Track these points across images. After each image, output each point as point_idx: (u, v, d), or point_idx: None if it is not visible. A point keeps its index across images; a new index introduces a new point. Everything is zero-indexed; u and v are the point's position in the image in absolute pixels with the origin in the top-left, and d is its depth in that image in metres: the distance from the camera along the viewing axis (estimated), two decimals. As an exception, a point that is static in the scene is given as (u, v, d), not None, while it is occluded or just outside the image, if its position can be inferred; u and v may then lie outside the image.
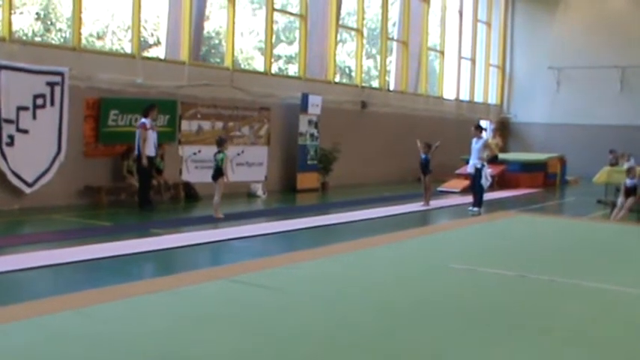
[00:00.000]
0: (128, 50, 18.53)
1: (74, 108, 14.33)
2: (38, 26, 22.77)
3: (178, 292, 7.05)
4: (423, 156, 16.65)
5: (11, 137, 13.33)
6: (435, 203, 17.41)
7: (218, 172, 13.24)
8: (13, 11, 14.13)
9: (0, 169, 13.23)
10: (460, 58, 29.25)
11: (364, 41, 24.62)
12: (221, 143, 13.38)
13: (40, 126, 13.77)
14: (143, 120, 14.28)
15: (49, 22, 23.08)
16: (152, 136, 14.31)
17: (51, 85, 13.92)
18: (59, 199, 14.11)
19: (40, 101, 13.77)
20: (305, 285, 7.56)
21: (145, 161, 14.07)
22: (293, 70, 27.37)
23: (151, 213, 13.82)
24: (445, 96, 28.58)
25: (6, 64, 13.18)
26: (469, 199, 16.47)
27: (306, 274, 8.16)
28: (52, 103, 13.97)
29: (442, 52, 28.22)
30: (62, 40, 22.43)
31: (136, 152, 14.32)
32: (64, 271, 8.34)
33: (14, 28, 14.15)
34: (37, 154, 13.75)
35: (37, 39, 21.88)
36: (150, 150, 14.21)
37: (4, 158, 13.23)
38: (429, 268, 8.85)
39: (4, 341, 5.31)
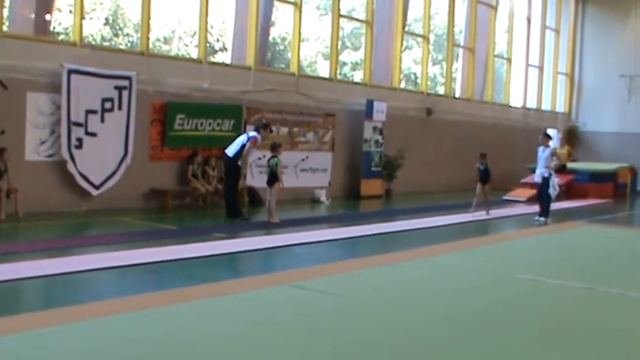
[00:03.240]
0: (194, 55, 18.71)
1: (141, 112, 14.51)
2: (107, 31, 23.17)
3: (242, 296, 7.03)
4: (482, 167, 16.33)
5: (80, 140, 13.54)
6: (500, 212, 17.11)
7: (273, 177, 13.23)
8: (83, 17, 14.36)
9: (68, 171, 13.46)
10: (527, 65, 28.74)
11: (430, 48, 24.40)
12: (275, 148, 13.36)
13: (108, 129, 13.96)
14: (256, 135, 13.83)
15: (117, 28, 23.48)
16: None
17: (119, 89, 14.11)
18: (125, 201, 14.29)
19: (108, 105, 13.97)
20: (369, 292, 7.47)
21: (245, 170, 13.96)
22: (358, 76, 27.30)
23: (245, 222, 13.50)
24: (512, 103, 28.12)
25: (76, 68, 13.41)
26: (535, 208, 16.11)
27: (370, 282, 8.06)
28: (120, 107, 14.14)
29: (509, 59, 27.78)
30: (130, 44, 22.81)
31: (229, 153, 13.75)
32: (129, 273, 8.40)
33: (84, 33, 14.37)
34: (105, 156, 13.94)
35: (106, 44, 22.27)
36: (231, 152, 13.77)
37: (73, 161, 13.45)
38: (493, 278, 8.67)
39: (71, 341, 5.35)
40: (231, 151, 13.71)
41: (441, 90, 26.23)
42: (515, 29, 27.92)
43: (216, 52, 24.40)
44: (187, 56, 22.21)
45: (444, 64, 25.98)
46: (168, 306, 6.50)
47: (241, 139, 13.79)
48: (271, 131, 14.83)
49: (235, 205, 13.90)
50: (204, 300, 6.80)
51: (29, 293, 7.47)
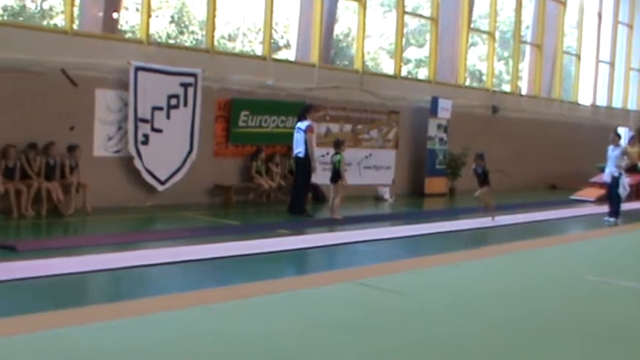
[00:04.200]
0: (259, 52, 18.80)
1: (206, 108, 14.64)
2: (172, 29, 23.47)
3: (304, 293, 7.02)
4: (480, 169, 14.34)
5: (146, 136, 13.73)
6: (568, 212, 16.75)
7: (336, 175, 13.18)
8: (150, 15, 14.55)
9: (135, 166, 13.66)
10: (598, 61, 28.07)
11: (496, 44, 24.04)
12: (338, 145, 13.30)
13: (174, 126, 14.12)
14: (308, 123, 13.69)
15: (182, 25, 23.77)
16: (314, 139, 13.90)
17: (184, 86, 14.25)
18: (190, 197, 14.43)
19: (174, 101, 14.12)
20: (431, 291, 7.38)
21: (314, 165, 13.69)
22: (423, 73, 27.08)
23: (308, 219, 13.48)
24: (580, 101, 27.50)
25: (143, 65, 13.59)
26: (604, 208, 15.73)
27: (433, 281, 7.97)
28: (186, 104, 14.29)
29: (578, 56, 27.17)
30: (195, 42, 23.05)
31: (300, 155, 13.65)
32: (194, 268, 8.46)
33: (151, 31, 14.57)
34: (170, 152, 14.11)
35: (171, 41, 22.55)
36: (301, 152, 13.66)
37: (139, 156, 13.64)
38: (561, 278, 8.48)
39: (136, 333, 5.40)
40: (299, 151, 13.69)
41: (506, 87, 25.82)
42: (585, 25, 27.29)
43: (279, 48, 24.49)
44: (252, 53, 22.34)
45: (510, 60, 25.56)
46: (232, 301, 6.53)
47: (299, 136, 13.77)
48: (316, 109, 14.65)
49: (302, 203, 13.91)
50: (267, 296, 6.81)
51: (96, 286, 7.58)
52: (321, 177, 15.74)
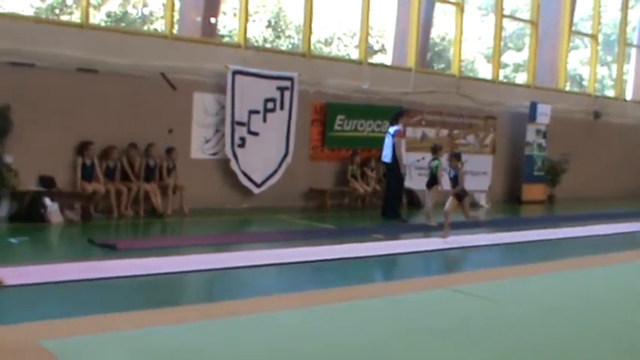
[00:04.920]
0: (354, 56, 18.75)
1: (302, 112, 14.68)
2: (269, 33, 23.68)
3: (399, 299, 6.89)
4: (453, 172, 11.68)
5: (243, 139, 13.86)
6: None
7: (433, 180, 12.97)
8: (247, 19, 14.70)
9: (231, 169, 13.80)
10: None
11: (599, 47, 23.28)
12: (436, 150, 13.08)
13: (270, 129, 14.21)
14: (398, 127, 13.64)
15: (279, 30, 23.95)
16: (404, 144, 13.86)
17: (281, 89, 14.33)
18: (285, 200, 14.48)
19: (270, 105, 14.22)
20: (529, 299, 7.14)
21: (403, 170, 13.69)
22: (521, 78, 26.50)
23: (403, 224, 13.41)
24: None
25: (240, 69, 13.74)
26: None
27: (531, 289, 7.71)
28: (282, 107, 14.37)
29: (688, 59, 26.02)
30: (291, 46, 23.20)
31: (386, 160, 13.73)
32: (288, 270, 8.43)
33: (248, 35, 14.72)
34: (267, 156, 14.20)
35: (268, 45, 22.75)
36: (387, 157, 13.67)
37: (236, 159, 13.78)
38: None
39: (233, 333, 5.39)
40: (387, 156, 13.60)
41: (609, 92, 24.96)
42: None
43: (375, 52, 24.40)
44: (347, 57, 22.32)
45: (613, 65, 24.71)
46: (326, 305, 6.45)
47: (387, 140, 13.67)
48: (409, 114, 14.53)
49: (397, 207, 13.78)
50: (362, 301, 6.71)
51: (192, 286, 7.64)
52: (417, 182, 15.57)
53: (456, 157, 11.78)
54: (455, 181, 11.56)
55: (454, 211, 11.61)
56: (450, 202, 11.54)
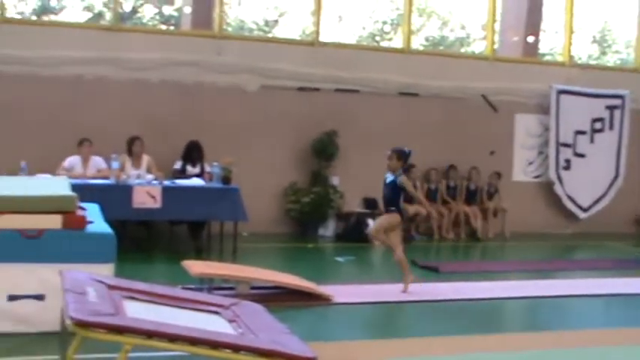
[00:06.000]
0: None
1: (634, 132, 13.67)
2: (594, 49, 22.60)
3: None
4: (391, 177, 7.62)
5: (568, 161, 13.32)
6: None
7: None
8: (571, 36, 14.11)
9: (555, 192, 13.28)
10: None
11: None
12: None
13: (598, 150, 13.49)
14: None
15: (604, 45, 22.75)
16: None
17: (610, 108, 13.57)
18: (614, 225, 13.50)
19: (598, 125, 13.52)
20: None
21: None
22: None
23: None
24: None
25: (565, 88, 13.23)
26: None
27: None
28: (611, 127, 13.58)
29: None
30: (619, 61, 21.86)
31: None
32: (618, 303, 7.78)
33: (572, 52, 14.13)
34: (593, 178, 13.46)
35: (592, 62, 21.66)
36: None
37: (560, 182, 13.27)
38: None
39: None
40: None
41: None
42: None
43: None
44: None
45: None
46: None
47: None
48: None
49: None
50: None
51: (514, 313, 7.41)
52: None
53: (397, 153, 7.61)
54: (394, 193, 7.63)
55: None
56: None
